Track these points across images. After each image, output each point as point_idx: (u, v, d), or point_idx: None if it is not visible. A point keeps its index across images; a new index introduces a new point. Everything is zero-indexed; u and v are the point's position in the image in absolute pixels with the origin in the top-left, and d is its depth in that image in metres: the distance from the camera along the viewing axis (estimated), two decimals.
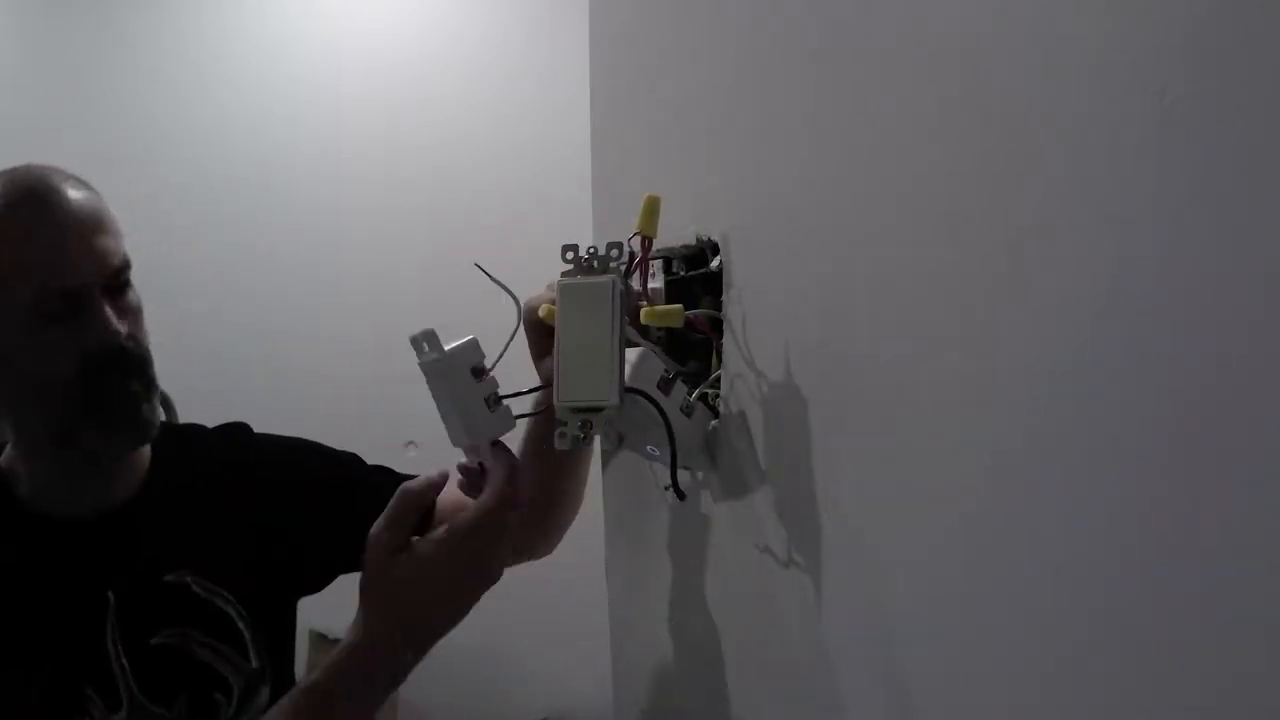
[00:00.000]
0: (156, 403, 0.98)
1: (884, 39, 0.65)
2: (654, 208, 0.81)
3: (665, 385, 0.81)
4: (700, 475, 0.92)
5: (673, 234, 0.89)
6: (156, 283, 1.02)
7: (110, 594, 0.95)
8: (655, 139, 1.00)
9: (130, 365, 0.94)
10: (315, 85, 2.70)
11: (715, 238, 0.87)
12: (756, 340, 0.82)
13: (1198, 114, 0.43)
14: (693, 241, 0.89)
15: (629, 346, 0.80)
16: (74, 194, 0.94)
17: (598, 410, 0.76)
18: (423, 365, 0.80)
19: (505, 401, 0.80)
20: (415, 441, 2.52)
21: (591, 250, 0.78)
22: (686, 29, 0.94)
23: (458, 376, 0.79)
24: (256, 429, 1.15)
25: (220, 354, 2.59)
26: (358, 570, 1.12)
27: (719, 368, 0.88)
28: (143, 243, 1.02)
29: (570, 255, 0.79)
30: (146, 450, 1.04)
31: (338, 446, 1.19)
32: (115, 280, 0.94)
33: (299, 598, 1.13)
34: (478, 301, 2.84)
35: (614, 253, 0.77)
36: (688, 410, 0.83)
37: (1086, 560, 0.49)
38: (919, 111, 0.62)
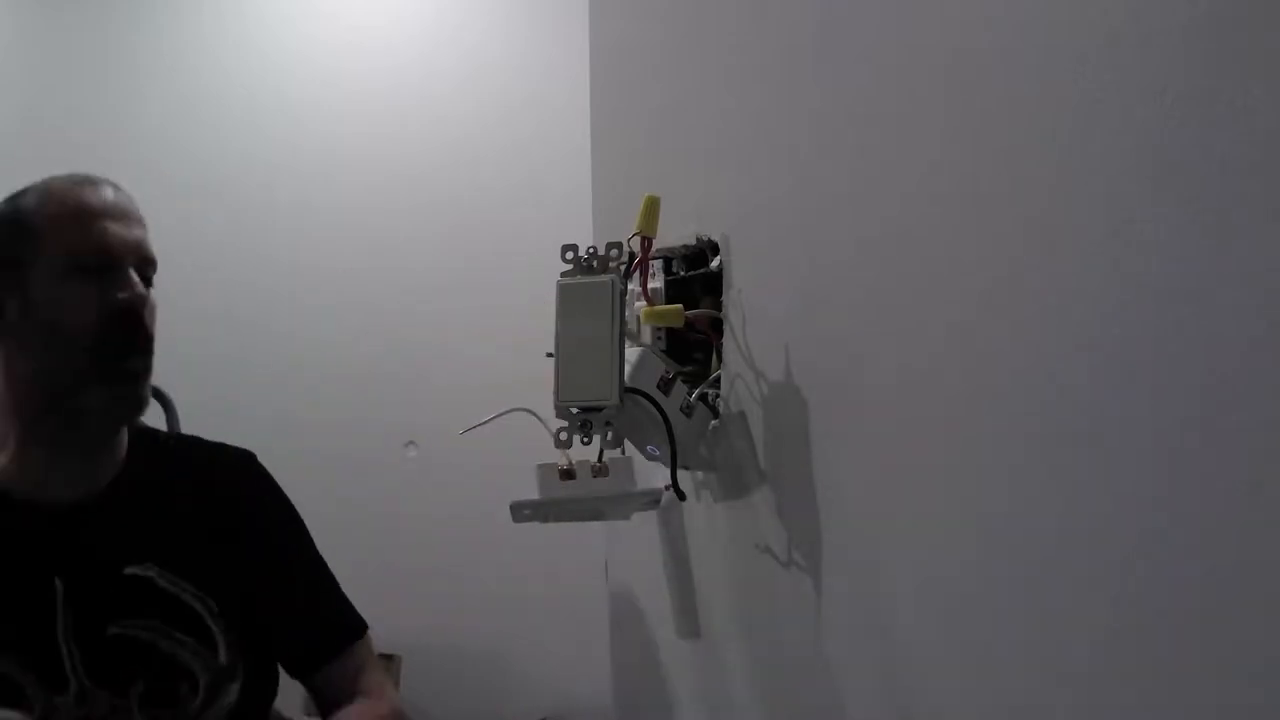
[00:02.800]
0: (148, 391, 1.03)
1: (884, 41, 0.65)
2: (653, 208, 0.81)
3: (665, 385, 0.81)
4: (700, 475, 0.92)
5: (673, 234, 0.89)
6: (156, 282, 1.03)
7: (58, 581, 0.98)
8: (655, 139, 1.00)
9: (139, 336, 0.99)
10: (316, 85, 2.70)
11: (715, 238, 0.87)
12: (756, 340, 0.82)
13: (1198, 113, 0.43)
14: (693, 241, 0.89)
15: (628, 347, 0.80)
16: (122, 195, 1.04)
17: (598, 410, 0.76)
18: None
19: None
20: (415, 441, 2.52)
21: (591, 250, 0.78)
22: (686, 29, 0.94)
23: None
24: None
25: (220, 354, 2.58)
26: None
27: (719, 368, 0.88)
28: None
29: (570, 255, 0.78)
30: (122, 448, 1.06)
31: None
32: (144, 270, 1.01)
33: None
34: (478, 301, 2.82)
35: (614, 253, 0.77)
36: (688, 410, 0.83)
37: (1085, 560, 0.49)
38: (917, 113, 0.62)
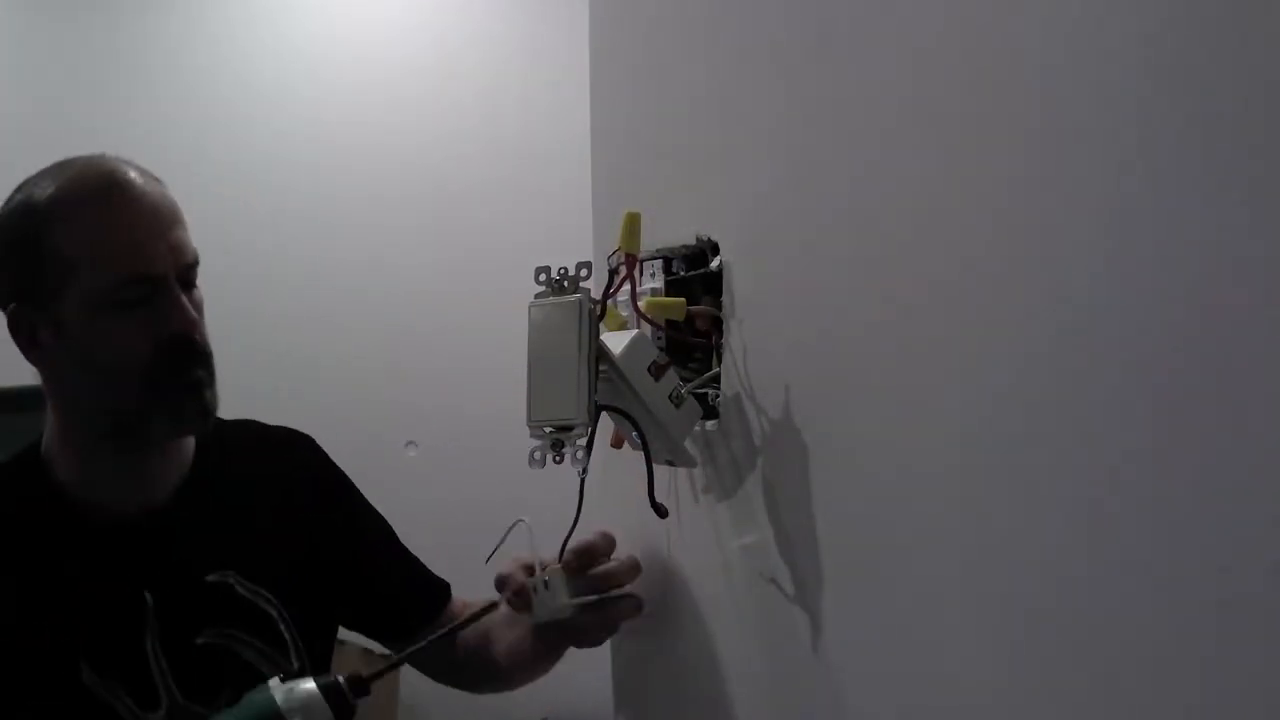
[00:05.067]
0: (214, 396, 1.00)
1: (885, 42, 0.65)
2: (634, 225, 0.81)
3: (656, 371, 0.81)
4: (701, 481, 0.91)
5: (673, 234, 0.89)
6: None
7: (148, 595, 0.95)
8: (656, 139, 1.00)
9: (199, 355, 0.95)
10: (319, 83, 2.70)
11: (715, 239, 0.87)
12: (757, 354, 0.82)
13: (1196, 112, 0.43)
14: (693, 241, 0.89)
15: (621, 330, 0.81)
16: (151, 185, 0.95)
17: (569, 429, 0.77)
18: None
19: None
20: (415, 441, 2.53)
21: (562, 271, 0.78)
22: (688, 27, 0.94)
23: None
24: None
25: (220, 353, 2.59)
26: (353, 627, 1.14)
27: (718, 366, 0.88)
28: None
29: (543, 278, 0.79)
30: (190, 444, 1.03)
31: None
32: (187, 275, 0.95)
33: (336, 612, 1.12)
34: (479, 301, 2.83)
35: (583, 272, 0.78)
36: (676, 400, 0.83)
37: (1091, 578, 0.49)
38: (918, 116, 0.62)
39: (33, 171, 0.97)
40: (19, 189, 0.95)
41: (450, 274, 2.58)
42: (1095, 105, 0.48)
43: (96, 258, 0.90)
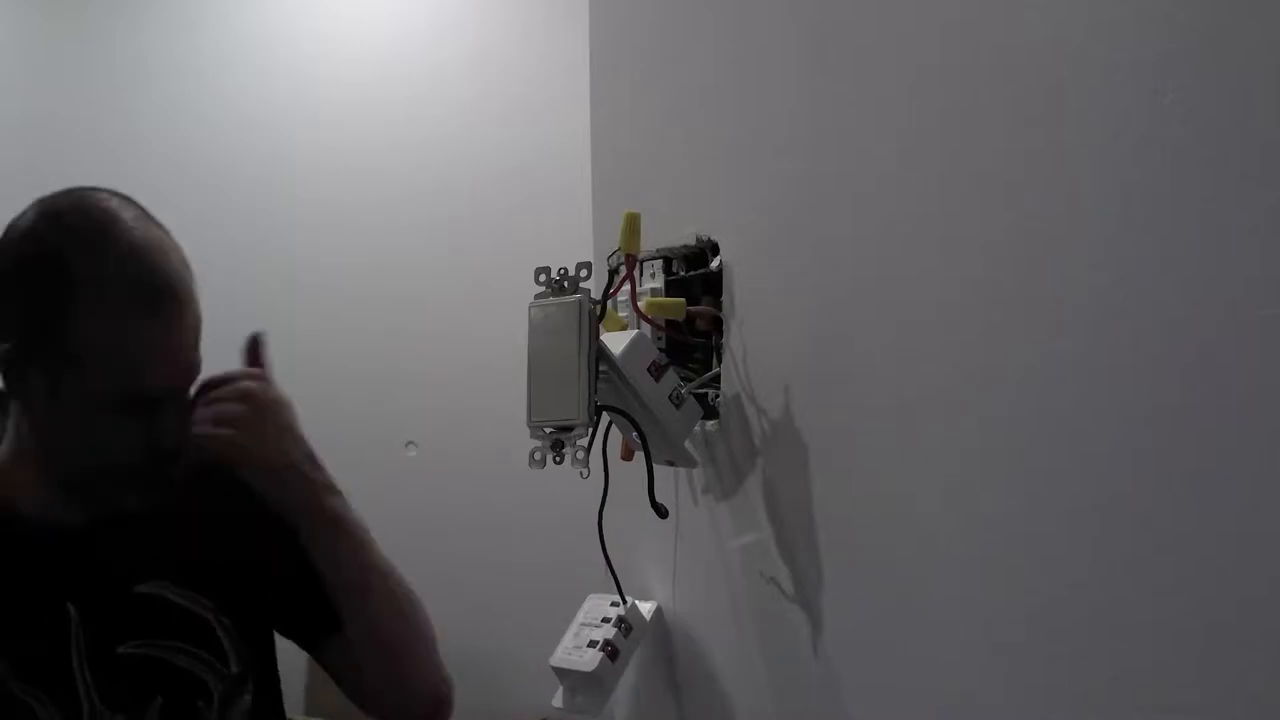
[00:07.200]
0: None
1: (885, 42, 0.65)
2: (634, 225, 0.81)
3: (657, 371, 0.81)
4: (701, 482, 0.91)
5: (673, 234, 0.89)
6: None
7: (71, 607, 0.93)
8: (655, 140, 1.00)
9: (179, 460, 0.93)
10: (319, 83, 2.69)
11: (715, 238, 0.87)
12: (756, 354, 0.82)
13: (1195, 113, 0.43)
14: (693, 242, 0.89)
15: (621, 330, 0.81)
16: (190, 279, 0.92)
17: (569, 429, 0.77)
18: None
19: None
20: (415, 441, 2.53)
21: (562, 271, 0.79)
22: (688, 30, 0.94)
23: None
24: None
25: (218, 353, 2.58)
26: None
27: (718, 366, 0.88)
28: None
29: (543, 278, 0.79)
30: None
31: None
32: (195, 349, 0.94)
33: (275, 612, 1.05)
34: (479, 301, 2.81)
35: (583, 272, 0.78)
36: (677, 400, 0.83)
37: (1083, 572, 0.49)
38: (918, 118, 0.62)
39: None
40: (43, 213, 0.89)
41: (450, 274, 2.58)
42: (1098, 108, 0.48)
43: (117, 362, 0.87)
